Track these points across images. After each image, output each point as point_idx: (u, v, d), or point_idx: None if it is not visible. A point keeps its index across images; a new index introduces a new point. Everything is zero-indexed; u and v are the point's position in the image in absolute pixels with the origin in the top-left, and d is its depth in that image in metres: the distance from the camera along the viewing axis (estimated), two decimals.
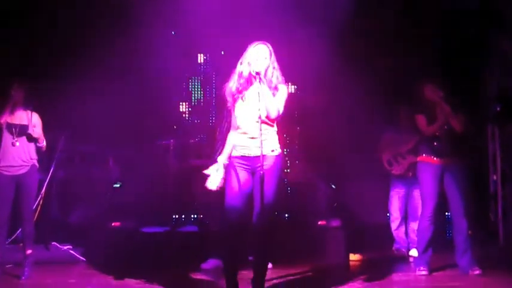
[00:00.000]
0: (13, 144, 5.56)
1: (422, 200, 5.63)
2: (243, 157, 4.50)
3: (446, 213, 7.03)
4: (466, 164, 5.60)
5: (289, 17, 7.83)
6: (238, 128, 4.55)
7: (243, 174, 4.47)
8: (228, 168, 4.53)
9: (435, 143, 5.55)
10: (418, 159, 5.66)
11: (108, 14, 8.24)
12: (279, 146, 4.57)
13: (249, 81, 4.52)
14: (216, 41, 8.85)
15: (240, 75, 4.53)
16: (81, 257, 6.62)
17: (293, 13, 7.85)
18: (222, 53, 9.05)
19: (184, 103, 9.16)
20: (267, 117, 4.47)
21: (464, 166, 5.58)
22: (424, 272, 5.49)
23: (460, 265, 5.52)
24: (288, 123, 7.84)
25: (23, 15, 7.98)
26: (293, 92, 8.95)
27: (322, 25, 7.78)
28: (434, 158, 5.54)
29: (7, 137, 5.60)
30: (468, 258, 5.46)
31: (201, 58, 9.22)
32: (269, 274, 4.74)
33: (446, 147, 5.52)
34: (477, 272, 5.39)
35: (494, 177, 7.88)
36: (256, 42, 4.57)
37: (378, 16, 7.93)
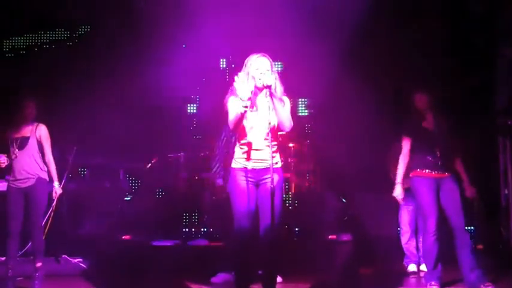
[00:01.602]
0: (13, 157, 5.63)
1: (423, 215, 5.55)
2: (246, 169, 4.49)
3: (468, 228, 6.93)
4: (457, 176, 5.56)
5: (301, 33, 7.90)
6: (242, 140, 4.53)
7: (247, 188, 4.45)
8: (232, 181, 4.52)
9: (429, 157, 5.50)
10: (412, 174, 5.58)
11: (117, 24, 8.33)
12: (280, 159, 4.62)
13: (254, 95, 4.52)
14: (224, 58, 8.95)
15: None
16: (91, 270, 6.62)
17: (304, 30, 7.91)
18: (233, 66, 9.10)
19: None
20: (279, 129, 4.51)
21: (456, 178, 5.53)
22: (435, 287, 5.44)
23: (469, 281, 5.33)
24: (297, 137, 7.89)
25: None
26: (304, 106, 8.99)
27: (334, 40, 7.84)
28: (429, 172, 5.50)
29: (12, 150, 5.67)
30: (477, 273, 5.31)
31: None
32: None
33: (440, 162, 5.47)
34: (490, 287, 5.24)
35: (506, 191, 7.81)
36: (256, 55, 4.58)
37: (387, 29, 7.96)
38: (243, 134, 4.52)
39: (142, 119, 8.28)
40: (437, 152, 5.47)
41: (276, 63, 4.71)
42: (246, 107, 4.30)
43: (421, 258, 6.66)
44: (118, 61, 8.13)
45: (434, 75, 7.65)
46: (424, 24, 7.96)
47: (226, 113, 4.60)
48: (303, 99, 9.08)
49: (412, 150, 5.61)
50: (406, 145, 5.64)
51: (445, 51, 8.01)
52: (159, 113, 8.57)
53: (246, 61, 4.61)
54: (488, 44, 7.87)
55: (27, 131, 5.75)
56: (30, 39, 9.10)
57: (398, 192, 5.68)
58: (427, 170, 5.47)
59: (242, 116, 4.35)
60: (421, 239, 6.68)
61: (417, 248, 6.74)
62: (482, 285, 5.27)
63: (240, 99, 4.33)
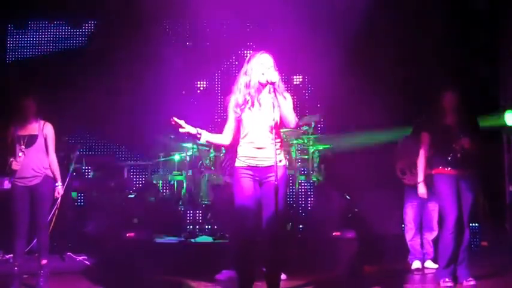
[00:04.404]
0: (19, 155, 5.61)
1: (443, 213, 5.54)
2: (250, 167, 4.46)
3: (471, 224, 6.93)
4: (478, 174, 5.59)
5: (305, 31, 7.92)
6: (245, 137, 4.51)
7: (251, 185, 4.44)
8: (236, 179, 4.50)
9: (450, 154, 5.51)
10: (434, 172, 5.57)
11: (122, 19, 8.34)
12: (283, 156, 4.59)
13: (257, 90, 4.50)
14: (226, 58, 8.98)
15: (247, 85, 4.48)
16: (96, 267, 6.63)
17: (308, 28, 7.94)
18: (236, 62, 9.11)
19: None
20: (281, 126, 4.49)
21: (476, 177, 5.56)
22: (449, 284, 5.38)
23: (455, 274, 5.48)
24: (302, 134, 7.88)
25: None
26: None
27: (339, 38, 7.85)
28: (450, 170, 5.50)
29: (18, 148, 5.65)
30: (464, 268, 5.44)
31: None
32: (283, 285, 4.72)
33: (460, 159, 5.48)
34: (472, 282, 5.36)
35: (510, 188, 7.80)
36: (259, 52, 4.54)
37: (392, 28, 7.96)
38: (246, 132, 4.49)
39: (146, 115, 8.30)
40: (458, 150, 5.47)
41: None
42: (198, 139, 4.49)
43: (426, 255, 6.67)
44: (124, 57, 8.14)
45: (441, 72, 7.65)
46: (429, 22, 7.95)
47: (228, 111, 4.60)
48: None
49: (434, 148, 5.62)
50: (425, 142, 5.66)
51: (450, 48, 8.00)
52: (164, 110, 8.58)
53: (247, 59, 4.58)
54: (493, 40, 7.84)
55: (34, 128, 5.73)
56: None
57: (422, 191, 5.70)
58: (449, 168, 5.49)
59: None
60: (425, 236, 6.69)
61: (421, 245, 6.74)
62: (465, 280, 5.40)
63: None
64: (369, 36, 8.03)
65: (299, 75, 8.99)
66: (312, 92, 9.01)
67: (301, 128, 7.72)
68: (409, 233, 6.77)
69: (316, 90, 8.95)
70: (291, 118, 4.45)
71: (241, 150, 4.52)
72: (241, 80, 4.53)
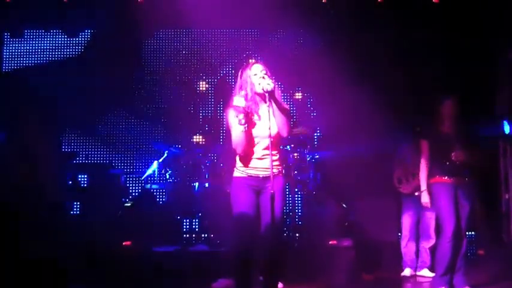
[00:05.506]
0: None
1: (440, 221, 5.55)
2: (249, 177, 4.48)
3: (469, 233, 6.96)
4: (475, 183, 5.61)
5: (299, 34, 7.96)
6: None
7: (249, 195, 4.45)
8: (233, 189, 4.51)
9: (447, 163, 5.51)
10: (432, 181, 5.58)
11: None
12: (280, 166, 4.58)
13: (255, 102, 4.50)
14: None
15: (245, 98, 4.47)
16: (92, 276, 6.59)
17: (302, 30, 7.98)
18: (233, 71, 9.12)
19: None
20: (278, 135, 4.48)
21: (474, 185, 5.57)
22: None
23: (452, 282, 5.48)
24: (299, 140, 7.89)
25: None
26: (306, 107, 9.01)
27: (334, 42, 7.88)
28: (447, 178, 5.50)
29: None
30: (460, 276, 5.46)
31: None
32: None
33: (457, 167, 5.49)
34: None
35: (507, 196, 7.81)
36: (251, 63, 4.56)
37: (386, 31, 7.99)
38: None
39: (142, 123, 8.34)
40: (455, 158, 5.48)
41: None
42: (243, 124, 4.31)
43: (421, 263, 6.67)
44: (119, 66, 8.17)
45: (436, 79, 7.67)
46: (424, 29, 7.99)
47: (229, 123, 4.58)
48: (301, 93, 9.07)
49: (432, 156, 5.62)
50: (425, 151, 5.66)
51: (446, 55, 8.04)
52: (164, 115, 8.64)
53: (240, 72, 4.59)
54: (489, 46, 7.87)
55: None
56: None
57: (425, 200, 5.63)
58: (446, 177, 5.50)
59: (243, 134, 4.35)
60: (422, 244, 6.69)
61: (417, 253, 6.73)
62: None
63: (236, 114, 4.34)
64: (368, 45, 8.06)
65: (299, 88, 8.98)
66: (310, 104, 9.00)
67: (297, 137, 7.72)
68: (404, 240, 6.79)
69: (315, 101, 8.95)
70: (286, 127, 4.45)
71: (240, 160, 4.53)
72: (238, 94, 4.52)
